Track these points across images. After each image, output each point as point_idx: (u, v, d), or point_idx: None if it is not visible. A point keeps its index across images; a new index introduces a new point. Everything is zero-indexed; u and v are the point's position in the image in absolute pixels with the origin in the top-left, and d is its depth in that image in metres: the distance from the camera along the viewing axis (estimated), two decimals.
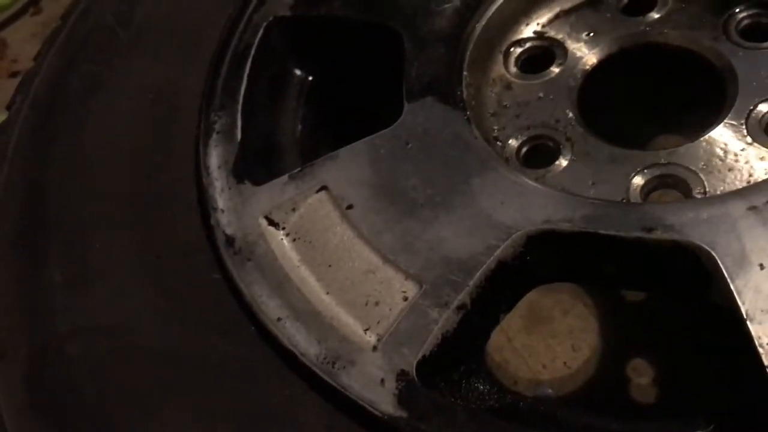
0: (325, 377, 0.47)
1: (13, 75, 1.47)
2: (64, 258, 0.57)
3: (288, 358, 0.49)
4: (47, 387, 0.51)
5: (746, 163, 0.58)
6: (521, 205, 0.51)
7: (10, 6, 1.57)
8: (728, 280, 0.44)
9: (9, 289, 0.56)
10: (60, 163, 0.63)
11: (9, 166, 0.65)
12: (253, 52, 0.67)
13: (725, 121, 0.60)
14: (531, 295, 0.91)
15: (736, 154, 0.59)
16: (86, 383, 0.51)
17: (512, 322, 0.88)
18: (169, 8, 0.71)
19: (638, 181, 0.59)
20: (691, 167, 0.59)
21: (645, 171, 0.59)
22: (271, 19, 0.69)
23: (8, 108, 0.73)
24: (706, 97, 0.64)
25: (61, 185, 0.61)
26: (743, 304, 0.43)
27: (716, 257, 0.45)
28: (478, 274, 0.49)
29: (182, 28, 0.70)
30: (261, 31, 0.68)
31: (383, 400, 0.46)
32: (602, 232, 0.49)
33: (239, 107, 0.64)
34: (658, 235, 0.48)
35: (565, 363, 0.82)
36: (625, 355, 0.81)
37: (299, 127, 0.70)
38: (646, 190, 0.59)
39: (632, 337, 0.83)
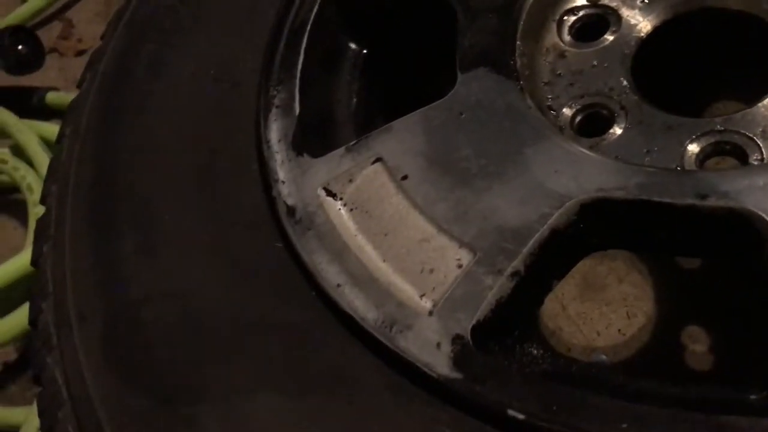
0: (384, 340, 0.50)
1: (79, 53, 1.53)
2: (135, 229, 0.60)
3: (347, 322, 0.51)
4: (122, 348, 0.55)
5: None
6: (574, 174, 0.52)
7: None
8: None
9: (85, 258, 0.60)
10: (129, 138, 0.66)
11: (81, 142, 0.68)
12: (309, 26, 0.69)
13: None
14: (585, 263, 0.92)
15: None
16: (157, 345, 0.55)
17: (566, 290, 0.89)
18: None
19: (693, 148, 0.58)
20: (748, 133, 0.58)
21: (700, 138, 0.59)
22: None
23: (78, 86, 0.76)
24: (765, 62, 0.63)
25: (131, 160, 0.65)
26: None
27: None
28: (531, 242, 0.50)
29: (241, 5, 0.71)
30: (316, 6, 0.70)
31: (439, 363, 0.48)
32: (656, 199, 0.50)
33: (297, 82, 0.66)
34: (712, 202, 0.48)
35: (619, 330, 0.83)
36: (681, 322, 0.81)
37: (354, 99, 0.72)
38: (702, 157, 0.58)
39: (687, 304, 0.83)
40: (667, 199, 0.49)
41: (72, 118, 0.72)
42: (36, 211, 1.19)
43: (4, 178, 1.31)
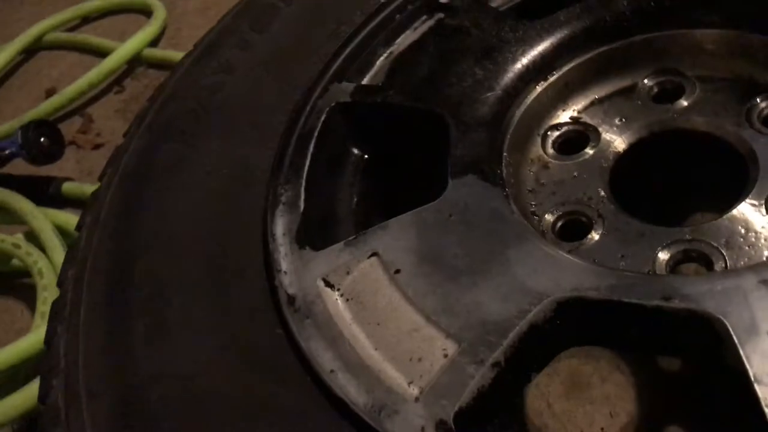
0: (373, 424, 0.53)
1: (96, 147, 1.62)
2: (147, 313, 0.64)
3: (339, 405, 0.55)
4: (129, 425, 0.58)
5: (765, 240, 0.63)
6: (552, 274, 0.57)
7: (98, 84, 1.72)
8: (738, 346, 0.49)
9: (98, 339, 0.64)
10: (146, 230, 0.71)
11: (101, 230, 0.74)
12: (316, 133, 0.76)
13: (746, 200, 0.65)
14: (571, 362, 0.96)
15: (756, 232, 0.63)
16: (162, 424, 0.58)
17: (552, 388, 0.92)
18: (244, 95, 0.81)
19: (664, 255, 0.64)
20: (713, 243, 0.64)
21: (671, 246, 0.64)
22: (333, 104, 0.78)
23: (100, 179, 0.83)
24: (730, 179, 0.69)
25: (146, 250, 0.70)
26: (751, 367, 0.48)
27: (728, 325, 0.50)
28: (511, 335, 0.54)
29: (255, 112, 0.79)
30: (324, 115, 0.77)
31: None
32: (625, 300, 0.54)
33: (303, 182, 0.72)
34: (675, 303, 0.53)
35: (602, 429, 0.86)
36: (662, 422, 0.84)
37: (355, 199, 0.78)
38: (672, 263, 0.64)
39: (669, 405, 0.86)
40: (635, 300, 0.54)
41: (93, 208, 0.78)
42: (45, 295, 1.23)
43: (17, 262, 1.36)
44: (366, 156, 0.80)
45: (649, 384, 0.89)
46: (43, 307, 1.23)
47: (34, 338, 1.17)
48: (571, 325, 0.56)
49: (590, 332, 0.58)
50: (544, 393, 0.91)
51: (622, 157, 0.74)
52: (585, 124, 0.77)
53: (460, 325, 0.56)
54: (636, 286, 0.55)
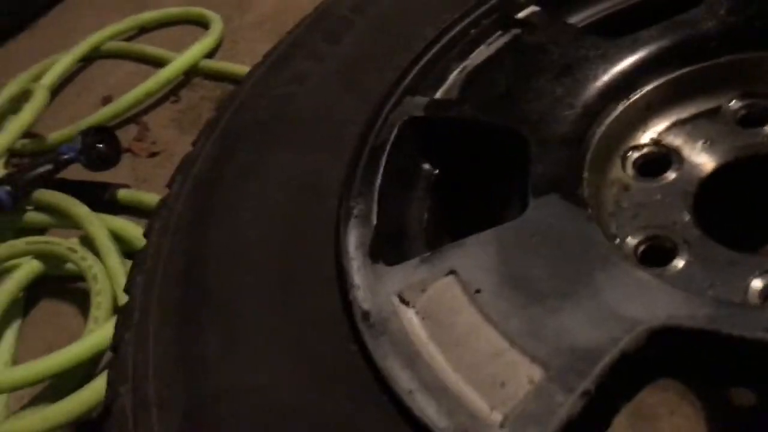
0: None
1: (152, 155, 1.63)
2: (219, 325, 0.63)
3: (419, 428, 0.53)
4: None
5: None
6: (645, 300, 0.55)
7: (155, 93, 1.74)
8: None
9: (170, 348, 0.63)
10: (217, 239, 0.71)
11: (171, 237, 0.73)
12: (388, 147, 0.75)
13: None
14: None
15: None
16: None
17: (617, 419, 0.89)
18: (316, 107, 0.80)
19: (757, 284, 0.61)
20: None
21: (764, 274, 0.61)
22: (405, 118, 0.77)
23: (169, 185, 0.82)
24: None
25: (217, 259, 0.69)
26: None
27: None
28: (602, 363, 0.52)
29: (327, 124, 0.78)
30: (396, 129, 0.76)
31: None
32: (725, 331, 0.52)
33: (375, 195, 0.71)
34: None
35: None
36: None
37: (425, 215, 0.76)
38: (766, 293, 0.61)
39: None
40: (736, 332, 0.51)
41: (161, 215, 0.77)
42: (99, 300, 1.24)
43: (71, 266, 1.37)
44: (437, 171, 0.78)
45: (721, 418, 0.85)
46: (97, 312, 1.23)
47: (87, 343, 1.17)
48: (663, 355, 0.54)
49: (682, 364, 0.55)
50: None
51: (707, 182, 0.71)
52: (667, 146, 0.75)
53: (547, 351, 0.54)
54: (735, 316, 0.53)
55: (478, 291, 0.60)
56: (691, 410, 0.88)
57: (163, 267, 0.71)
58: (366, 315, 0.61)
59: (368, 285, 0.63)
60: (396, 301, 0.62)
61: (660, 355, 0.55)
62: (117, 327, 0.70)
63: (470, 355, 0.56)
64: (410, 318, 0.60)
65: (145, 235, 0.78)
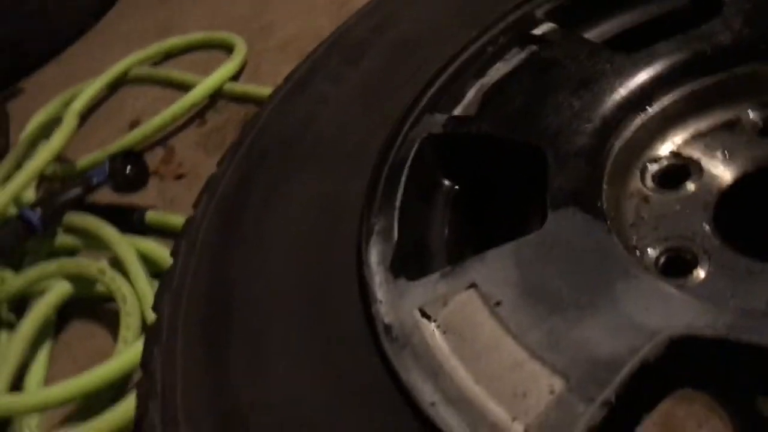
0: None
1: (178, 177, 1.66)
2: (245, 341, 0.65)
3: None
4: None
5: None
6: (664, 311, 0.55)
7: (181, 117, 1.78)
8: None
9: (198, 364, 0.65)
10: (242, 257, 0.72)
11: (197, 256, 0.75)
12: (408, 163, 0.76)
13: None
14: (664, 404, 0.91)
15: None
16: None
17: (645, 430, 0.88)
18: (337, 127, 0.82)
19: None
20: None
21: None
22: (425, 135, 0.78)
23: (195, 206, 0.84)
24: None
25: (242, 278, 0.71)
26: None
27: None
28: (622, 372, 0.52)
29: (348, 144, 0.79)
30: (416, 146, 0.77)
31: None
32: (745, 339, 0.52)
33: (396, 212, 0.72)
34: None
35: None
36: None
37: (446, 230, 0.77)
38: None
39: None
40: (756, 340, 0.52)
41: (188, 235, 0.79)
42: (128, 321, 1.26)
43: (100, 287, 1.40)
44: (457, 187, 0.79)
45: (751, 430, 0.84)
46: (126, 332, 1.26)
47: (117, 363, 1.20)
48: (684, 364, 0.54)
49: (703, 373, 0.55)
50: None
51: (727, 193, 0.71)
52: (686, 157, 0.75)
53: (567, 361, 0.54)
54: (757, 324, 0.53)
55: (498, 303, 0.60)
56: (720, 423, 0.87)
57: (190, 286, 0.72)
58: (388, 329, 0.62)
59: (390, 300, 0.65)
60: (418, 315, 0.62)
61: (681, 365, 0.55)
62: (146, 344, 0.72)
63: (491, 367, 0.57)
64: (432, 331, 0.61)
65: (172, 254, 0.80)
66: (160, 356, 0.69)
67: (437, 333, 0.61)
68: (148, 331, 0.73)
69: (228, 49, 1.98)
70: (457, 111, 0.81)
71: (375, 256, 0.69)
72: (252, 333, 0.65)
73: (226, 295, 0.69)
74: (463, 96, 0.82)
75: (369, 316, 0.64)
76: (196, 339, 0.67)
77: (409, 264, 0.69)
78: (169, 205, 1.58)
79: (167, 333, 0.70)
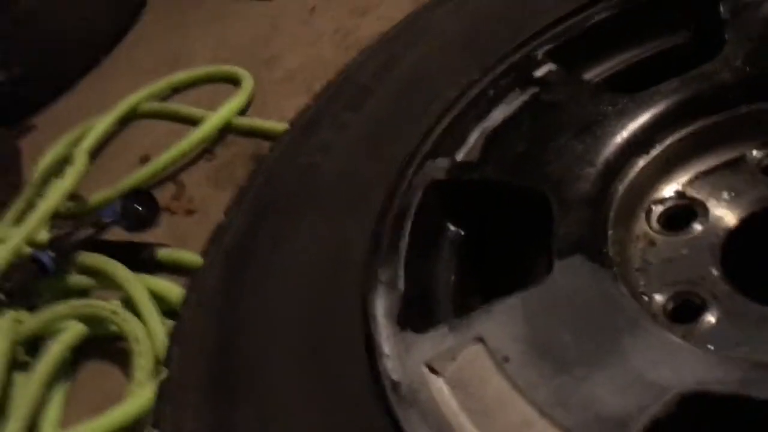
0: None
1: (189, 213, 1.67)
2: (250, 400, 0.65)
3: None
4: None
5: None
6: (673, 365, 0.55)
7: (190, 152, 1.79)
8: None
9: (204, 423, 0.65)
10: (248, 312, 0.72)
11: (205, 309, 0.75)
12: (413, 211, 0.76)
13: None
14: None
15: None
16: None
17: None
18: (341, 175, 0.82)
19: None
20: None
21: None
22: (429, 182, 0.78)
23: (203, 255, 0.85)
24: None
25: (249, 332, 0.71)
26: None
27: None
28: None
29: (352, 191, 0.80)
30: (420, 193, 0.77)
31: None
32: (756, 396, 0.51)
33: (402, 261, 0.72)
34: None
35: None
36: None
37: (453, 278, 0.77)
38: None
39: None
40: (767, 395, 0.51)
41: (196, 286, 0.80)
42: (141, 362, 1.27)
43: (114, 328, 1.40)
44: (463, 233, 0.79)
45: None
46: (139, 373, 1.26)
47: (129, 406, 1.20)
48: (695, 422, 0.54)
49: (716, 429, 0.55)
50: None
51: (734, 234, 0.71)
52: (691, 198, 0.75)
53: (576, 421, 0.54)
54: (766, 378, 0.52)
55: (506, 359, 0.60)
56: None
57: (199, 340, 0.73)
58: (396, 386, 0.62)
59: (397, 354, 0.64)
60: (425, 370, 0.62)
61: (692, 422, 0.54)
62: (157, 401, 0.72)
63: (500, 426, 0.57)
64: (440, 388, 0.61)
65: (182, 307, 0.80)
66: (171, 414, 0.69)
67: (445, 389, 0.61)
68: (159, 387, 0.73)
69: (235, 82, 1.99)
70: (460, 156, 0.81)
71: (381, 308, 0.69)
72: (257, 393, 0.65)
73: (232, 351, 0.69)
74: (465, 140, 0.82)
75: (376, 372, 0.64)
76: (204, 397, 0.67)
77: (415, 315, 0.69)
78: (180, 241, 1.58)
79: (177, 390, 0.70)
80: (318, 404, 0.63)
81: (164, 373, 0.73)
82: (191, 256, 1.48)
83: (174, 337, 0.77)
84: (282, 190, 0.83)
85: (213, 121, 1.82)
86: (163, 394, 0.71)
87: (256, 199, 0.84)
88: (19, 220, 1.76)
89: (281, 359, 0.68)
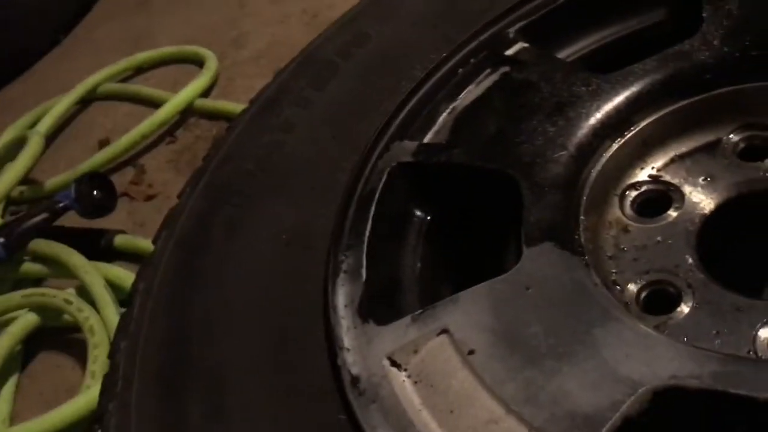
0: None
1: (149, 198, 1.61)
2: (202, 394, 0.61)
3: None
4: None
5: None
6: (647, 359, 0.52)
7: (150, 135, 1.73)
8: None
9: (152, 420, 0.60)
10: (202, 301, 0.68)
11: (154, 299, 0.71)
12: (377, 195, 0.72)
13: None
14: None
15: None
16: None
17: None
18: (303, 155, 0.78)
19: (765, 334, 0.58)
20: None
21: None
22: (394, 164, 0.74)
23: (154, 242, 0.80)
24: None
25: (201, 323, 0.66)
26: None
27: None
28: (603, 429, 0.49)
29: (315, 173, 0.75)
30: (385, 176, 0.73)
31: None
32: (732, 391, 0.48)
33: (365, 248, 0.68)
34: None
35: None
36: None
37: (418, 265, 0.73)
38: None
39: None
40: (743, 391, 0.48)
41: (145, 275, 0.75)
42: (96, 353, 1.21)
43: (68, 318, 1.34)
44: (429, 218, 0.76)
45: None
46: (94, 366, 1.21)
47: (83, 400, 1.15)
48: (668, 418, 0.51)
49: (689, 426, 0.52)
50: None
51: (710, 220, 0.68)
52: (666, 183, 0.72)
53: (546, 417, 0.51)
54: (743, 374, 0.49)
55: (471, 352, 0.57)
56: None
57: (146, 332, 0.68)
58: (355, 380, 0.58)
59: (358, 347, 0.61)
60: (387, 364, 0.59)
61: (666, 418, 0.51)
62: (101, 396, 0.67)
63: (465, 423, 0.53)
64: (402, 382, 0.57)
65: (129, 297, 0.75)
66: (115, 410, 0.64)
67: (408, 384, 0.57)
68: (104, 382, 0.68)
69: (199, 63, 1.93)
70: (428, 137, 0.77)
71: (342, 298, 0.65)
72: (210, 386, 0.61)
73: (183, 343, 0.65)
74: (434, 121, 0.78)
75: (335, 366, 0.60)
76: (150, 392, 0.63)
77: (378, 305, 0.65)
78: (139, 227, 1.53)
79: (122, 384, 0.65)
80: (275, 400, 0.59)
81: (109, 367, 0.68)
82: (150, 244, 1.42)
83: (121, 328, 0.72)
84: (240, 172, 0.79)
85: (174, 102, 1.75)
86: (106, 389, 0.66)
87: (212, 181, 0.79)
88: None
89: (237, 352, 0.63)
